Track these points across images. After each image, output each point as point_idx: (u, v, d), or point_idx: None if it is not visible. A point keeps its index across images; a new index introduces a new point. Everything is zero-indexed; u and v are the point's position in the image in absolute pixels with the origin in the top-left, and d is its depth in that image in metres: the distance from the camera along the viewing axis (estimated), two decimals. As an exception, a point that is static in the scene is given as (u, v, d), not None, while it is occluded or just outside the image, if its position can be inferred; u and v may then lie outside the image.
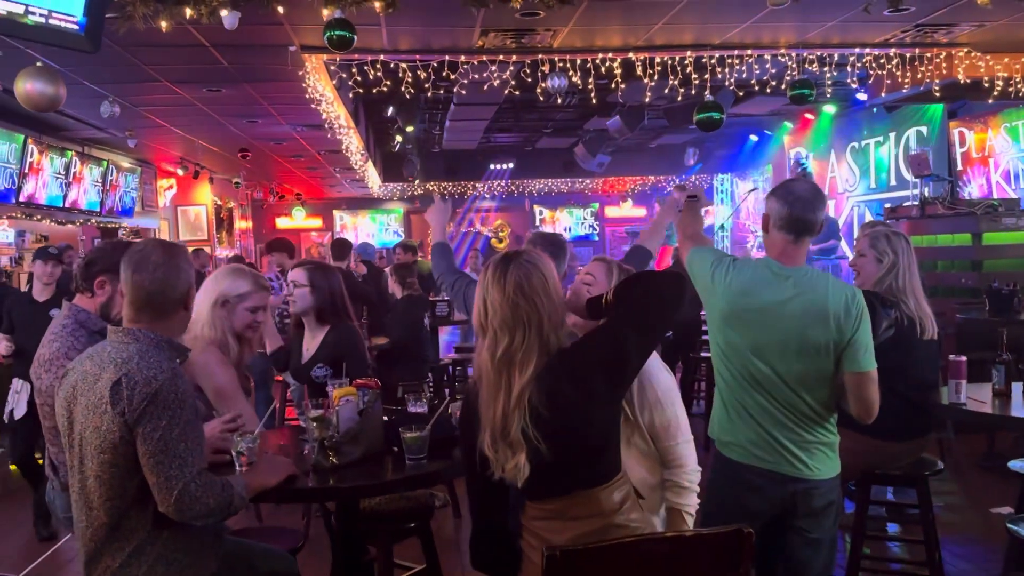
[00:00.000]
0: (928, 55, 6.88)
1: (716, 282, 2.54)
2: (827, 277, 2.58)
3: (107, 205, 10.75)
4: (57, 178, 9.41)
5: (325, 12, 4.61)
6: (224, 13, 4.08)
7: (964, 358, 3.25)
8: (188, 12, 4.23)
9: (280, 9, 4.51)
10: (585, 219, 19.96)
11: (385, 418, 2.82)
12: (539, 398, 1.89)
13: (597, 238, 19.71)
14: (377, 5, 4.43)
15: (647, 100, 7.68)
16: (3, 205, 8.58)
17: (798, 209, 2.50)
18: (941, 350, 3.71)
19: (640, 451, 2.36)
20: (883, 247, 3.42)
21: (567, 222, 19.91)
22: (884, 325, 3.22)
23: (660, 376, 2.37)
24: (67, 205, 9.72)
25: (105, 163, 10.56)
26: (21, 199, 8.69)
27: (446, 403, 2.78)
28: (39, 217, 9.50)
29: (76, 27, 2.69)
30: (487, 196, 18.77)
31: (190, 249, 10.96)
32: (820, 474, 2.50)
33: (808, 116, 11.33)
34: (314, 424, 2.64)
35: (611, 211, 19.76)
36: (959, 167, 9.57)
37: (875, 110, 10.31)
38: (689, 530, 2.10)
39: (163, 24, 4.33)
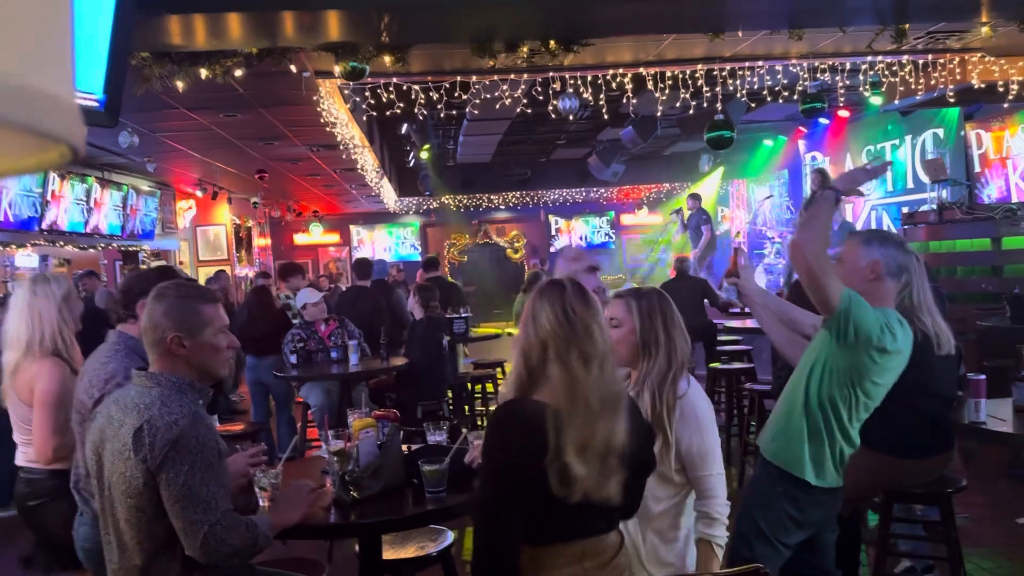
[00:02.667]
0: (941, 61, 6.85)
1: (876, 352, 2.60)
2: None
3: (128, 229, 10.89)
4: (79, 204, 9.55)
5: (337, 69, 4.70)
6: (238, 73, 4.16)
7: (983, 377, 3.24)
8: (203, 73, 4.31)
9: (293, 68, 4.63)
10: (601, 227, 19.96)
11: (404, 448, 2.85)
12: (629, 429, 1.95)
13: (614, 246, 19.70)
14: (387, 59, 4.53)
15: (659, 113, 7.69)
16: (27, 232, 8.72)
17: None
18: (961, 361, 3.69)
19: (664, 478, 2.38)
20: None
21: (583, 231, 19.92)
22: None
23: (701, 403, 2.42)
24: (89, 230, 9.87)
25: (125, 188, 10.71)
26: (44, 226, 8.83)
27: (464, 436, 2.81)
28: (62, 243, 9.64)
29: (96, 104, 2.75)
30: (502, 207, 18.84)
31: (211, 271, 11.14)
32: None
33: (842, 114, 10.61)
34: (335, 458, 2.68)
35: (627, 219, 19.75)
36: (977, 169, 9.49)
37: (889, 114, 10.25)
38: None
39: (179, 84, 4.42)
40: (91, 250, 10.60)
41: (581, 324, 1.93)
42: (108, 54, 2.59)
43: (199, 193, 12.87)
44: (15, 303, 3.20)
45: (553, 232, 19.82)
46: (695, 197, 13.08)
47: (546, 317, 1.94)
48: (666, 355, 2.39)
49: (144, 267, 10.75)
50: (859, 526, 3.65)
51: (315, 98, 6.60)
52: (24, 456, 3.19)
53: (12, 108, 0.34)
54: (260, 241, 17.37)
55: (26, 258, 9.52)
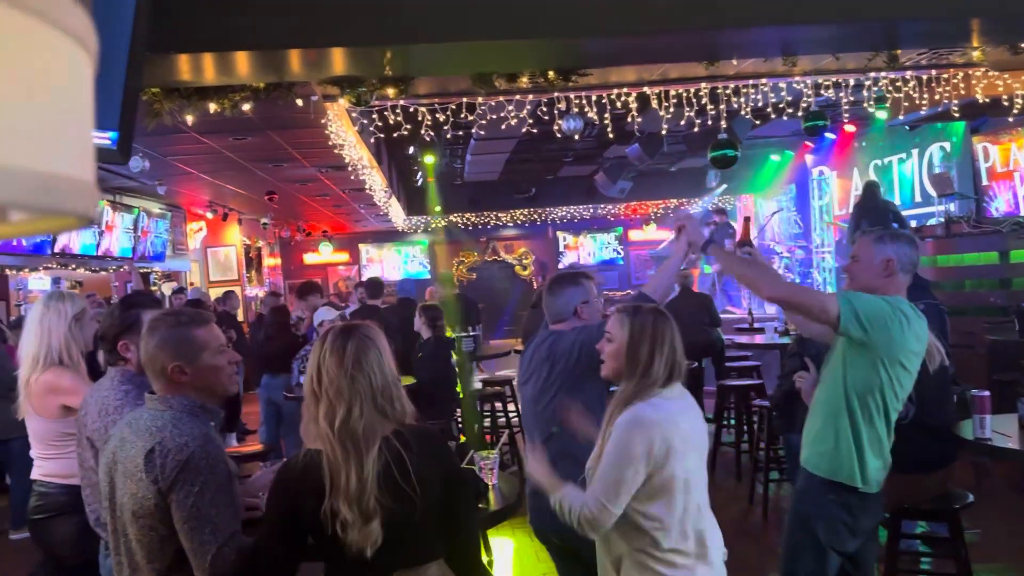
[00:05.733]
0: (945, 76, 6.86)
1: (897, 327, 2.64)
2: None
3: (139, 251, 11.00)
4: (90, 227, 9.64)
5: (343, 100, 4.79)
6: (246, 107, 4.24)
7: (987, 393, 3.24)
8: (212, 107, 4.41)
9: (300, 102, 4.74)
10: (609, 243, 20.00)
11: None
12: (385, 468, 1.97)
13: (622, 262, 19.73)
14: (391, 92, 4.65)
15: (664, 130, 7.74)
16: (39, 256, 8.82)
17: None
18: (951, 369, 3.68)
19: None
20: None
21: (591, 247, 19.95)
22: None
23: (632, 433, 2.23)
24: (100, 253, 9.97)
25: (136, 210, 10.82)
26: (56, 250, 8.93)
27: (470, 454, 2.84)
28: (74, 266, 9.74)
29: (109, 142, 2.82)
30: (510, 225, 18.91)
31: (220, 292, 11.21)
32: None
33: (848, 129, 10.84)
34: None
35: (635, 235, 19.78)
36: (984, 182, 9.49)
37: (895, 128, 10.27)
38: None
39: (189, 118, 4.52)
40: (103, 272, 10.70)
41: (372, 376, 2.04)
42: (120, 94, 2.66)
43: (209, 215, 13.00)
44: (29, 319, 3.28)
45: (561, 248, 19.86)
46: (720, 212, 13.18)
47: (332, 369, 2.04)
48: (640, 376, 2.31)
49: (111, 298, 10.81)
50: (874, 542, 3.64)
51: (323, 121, 6.68)
52: (39, 470, 3.22)
53: (37, 195, 0.38)
54: (270, 261, 17.49)
55: (38, 281, 9.64)
